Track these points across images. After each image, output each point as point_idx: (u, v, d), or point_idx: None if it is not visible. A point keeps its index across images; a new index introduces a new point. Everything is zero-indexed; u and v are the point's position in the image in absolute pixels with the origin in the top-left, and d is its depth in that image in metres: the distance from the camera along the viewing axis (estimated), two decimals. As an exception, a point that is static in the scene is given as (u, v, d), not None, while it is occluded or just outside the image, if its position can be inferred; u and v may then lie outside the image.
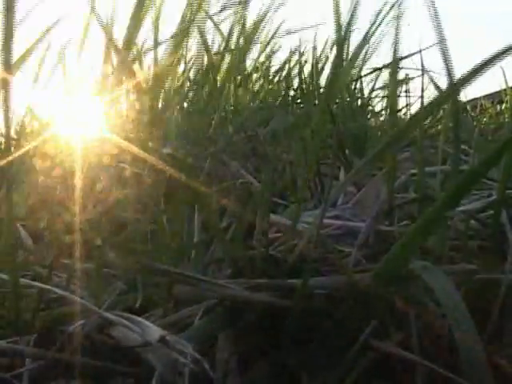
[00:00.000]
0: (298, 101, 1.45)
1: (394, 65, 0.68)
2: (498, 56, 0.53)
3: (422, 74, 0.93)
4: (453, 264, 0.58)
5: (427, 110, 0.61)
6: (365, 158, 0.60)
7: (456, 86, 0.56)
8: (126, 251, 0.63)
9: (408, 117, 1.44)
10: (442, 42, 0.57)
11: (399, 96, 1.61)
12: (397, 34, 0.65)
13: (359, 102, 1.44)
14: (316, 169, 0.89)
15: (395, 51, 0.65)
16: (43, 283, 0.57)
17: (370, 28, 0.94)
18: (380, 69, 1.47)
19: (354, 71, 1.42)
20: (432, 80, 0.81)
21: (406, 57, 1.47)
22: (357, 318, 0.52)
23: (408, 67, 1.49)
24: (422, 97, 0.87)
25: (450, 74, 0.56)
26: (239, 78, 1.34)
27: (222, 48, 1.24)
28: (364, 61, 1.41)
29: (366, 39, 0.88)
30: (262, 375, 0.51)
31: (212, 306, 0.55)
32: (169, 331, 0.48)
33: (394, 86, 0.68)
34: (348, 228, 0.69)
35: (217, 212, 0.66)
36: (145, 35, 1.15)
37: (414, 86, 1.57)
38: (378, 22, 0.67)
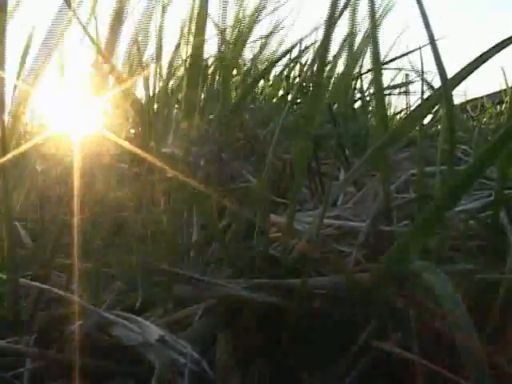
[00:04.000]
0: (298, 101, 1.45)
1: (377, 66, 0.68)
2: (489, 53, 0.53)
3: (422, 74, 0.93)
4: (453, 264, 0.58)
5: (422, 109, 0.61)
6: (361, 158, 0.60)
7: (449, 83, 0.56)
8: (126, 251, 0.62)
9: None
10: (432, 40, 0.57)
11: (400, 94, 1.61)
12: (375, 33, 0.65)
13: (359, 101, 1.44)
14: (315, 168, 0.89)
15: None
16: (42, 283, 0.57)
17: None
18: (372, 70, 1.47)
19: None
20: (424, 80, 0.81)
21: (402, 55, 1.47)
22: (357, 317, 0.52)
23: (407, 68, 1.50)
24: (421, 97, 0.87)
25: (441, 72, 0.57)
26: (239, 77, 1.34)
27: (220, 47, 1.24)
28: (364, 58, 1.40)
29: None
30: (261, 375, 0.51)
31: (212, 306, 0.55)
32: (168, 331, 0.48)
33: (380, 84, 0.68)
34: (348, 228, 0.69)
35: (216, 212, 0.66)
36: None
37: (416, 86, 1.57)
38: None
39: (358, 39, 1.10)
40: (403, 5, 1.26)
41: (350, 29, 0.84)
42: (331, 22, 0.55)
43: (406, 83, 1.46)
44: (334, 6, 0.54)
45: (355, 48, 0.86)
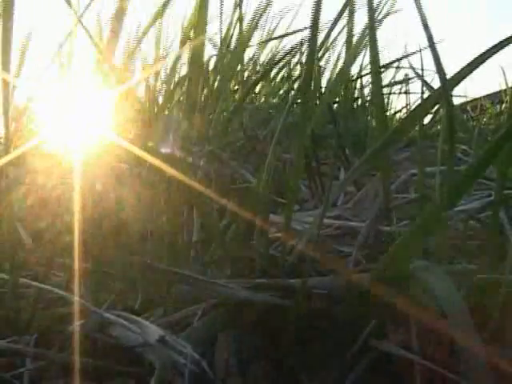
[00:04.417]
0: (299, 101, 1.45)
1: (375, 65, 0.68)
2: (488, 53, 0.53)
3: (422, 75, 0.94)
4: (453, 264, 0.58)
5: (421, 109, 0.61)
6: (361, 158, 0.60)
7: (448, 83, 0.56)
8: (126, 251, 0.62)
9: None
10: (431, 41, 0.57)
11: (400, 93, 1.61)
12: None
13: (359, 101, 1.44)
14: (316, 169, 0.89)
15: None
16: (42, 283, 0.57)
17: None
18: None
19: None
20: (423, 81, 0.81)
21: (402, 58, 1.47)
22: (357, 318, 0.52)
23: (407, 67, 1.50)
24: (421, 97, 0.87)
25: (440, 72, 0.57)
26: (239, 77, 1.34)
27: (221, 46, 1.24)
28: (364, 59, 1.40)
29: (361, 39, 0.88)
30: (261, 375, 0.51)
31: (212, 306, 0.55)
32: (169, 331, 0.48)
33: (379, 84, 0.69)
34: (348, 228, 0.69)
35: (216, 212, 0.66)
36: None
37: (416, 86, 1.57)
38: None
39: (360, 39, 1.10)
40: (403, 5, 1.27)
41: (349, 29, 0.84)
42: (316, 22, 0.55)
43: (406, 81, 1.46)
44: (317, 5, 0.54)
45: (354, 48, 0.86)
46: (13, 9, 0.54)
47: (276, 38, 1.50)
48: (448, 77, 0.57)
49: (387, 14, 1.12)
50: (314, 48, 0.58)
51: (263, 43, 1.48)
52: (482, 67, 0.54)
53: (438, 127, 1.29)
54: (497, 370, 0.41)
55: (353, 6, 0.75)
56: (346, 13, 0.81)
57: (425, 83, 0.82)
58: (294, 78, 1.55)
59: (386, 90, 1.58)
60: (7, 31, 0.54)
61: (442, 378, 0.45)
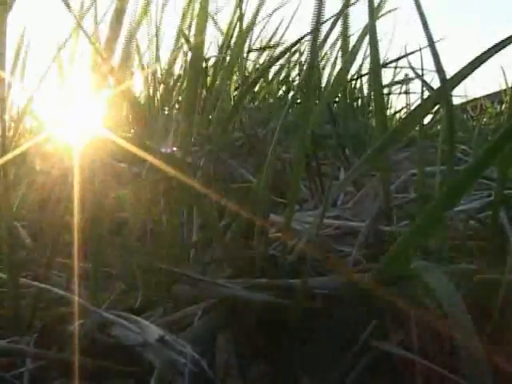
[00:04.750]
0: (298, 101, 1.45)
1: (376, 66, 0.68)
2: (488, 53, 0.53)
3: (422, 75, 0.93)
4: (453, 264, 0.58)
5: (421, 109, 0.61)
6: (361, 158, 0.60)
7: (448, 83, 0.56)
8: (126, 251, 0.62)
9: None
10: (431, 41, 0.57)
11: (400, 93, 1.61)
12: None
13: (359, 101, 1.44)
14: (316, 168, 0.89)
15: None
16: (42, 283, 0.57)
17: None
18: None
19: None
20: (423, 81, 0.81)
21: (401, 57, 1.47)
22: (357, 317, 0.52)
23: (407, 67, 1.50)
24: (421, 97, 0.87)
25: (440, 72, 0.57)
26: (239, 77, 1.34)
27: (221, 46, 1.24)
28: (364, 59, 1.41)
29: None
30: (261, 375, 0.51)
31: (212, 306, 0.55)
32: (168, 331, 0.48)
33: (380, 84, 0.69)
34: (348, 228, 0.69)
35: (216, 212, 0.66)
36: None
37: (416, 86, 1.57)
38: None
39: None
40: (403, 4, 1.27)
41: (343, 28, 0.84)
42: (318, 23, 0.55)
43: (406, 81, 1.46)
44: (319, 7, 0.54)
45: (351, 47, 0.86)
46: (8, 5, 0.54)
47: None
48: (448, 77, 0.57)
49: (385, 12, 1.12)
50: (315, 46, 0.58)
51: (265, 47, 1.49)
52: (482, 67, 0.54)
53: (438, 127, 1.29)
54: (497, 370, 0.41)
55: (347, 7, 0.75)
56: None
57: (425, 83, 0.81)
58: (292, 78, 1.55)
59: (385, 90, 1.58)
60: (2, 27, 0.54)
61: (442, 377, 0.45)
